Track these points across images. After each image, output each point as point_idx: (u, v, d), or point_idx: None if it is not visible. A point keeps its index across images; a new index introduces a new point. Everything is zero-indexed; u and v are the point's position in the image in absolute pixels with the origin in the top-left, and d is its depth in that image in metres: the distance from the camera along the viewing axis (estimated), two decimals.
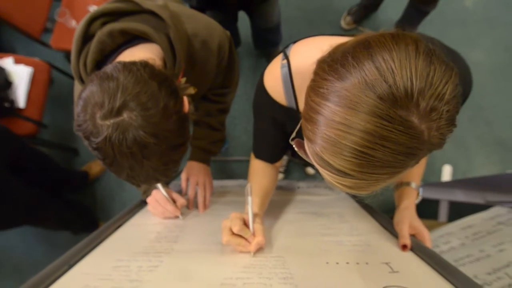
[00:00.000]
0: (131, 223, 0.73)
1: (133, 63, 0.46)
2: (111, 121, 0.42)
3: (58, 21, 1.49)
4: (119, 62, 0.46)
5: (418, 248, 0.56)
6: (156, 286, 0.46)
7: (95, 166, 1.79)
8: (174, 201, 0.75)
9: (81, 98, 0.44)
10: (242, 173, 1.85)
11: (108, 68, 0.45)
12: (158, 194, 0.74)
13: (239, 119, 1.90)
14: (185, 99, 0.52)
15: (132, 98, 0.42)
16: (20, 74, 1.40)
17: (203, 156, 0.89)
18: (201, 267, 0.52)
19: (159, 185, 0.72)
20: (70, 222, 1.51)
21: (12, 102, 1.36)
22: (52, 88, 1.87)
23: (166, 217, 0.74)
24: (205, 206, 0.83)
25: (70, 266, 0.52)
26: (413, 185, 0.69)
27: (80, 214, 1.57)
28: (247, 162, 0.79)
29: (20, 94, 1.39)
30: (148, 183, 0.55)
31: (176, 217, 0.75)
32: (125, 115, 0.42)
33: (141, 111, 0.43)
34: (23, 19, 1.40)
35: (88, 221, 1.63)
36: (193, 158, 0.89)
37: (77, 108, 0.44)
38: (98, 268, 0.52)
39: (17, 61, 1.43)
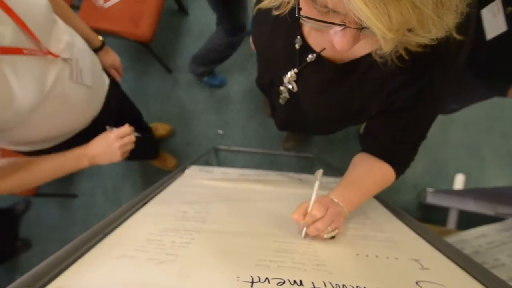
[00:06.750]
0: (157, 201, 0.74)
1: None
2: None
3: None
4: None
5: (445, 248, 0.57)
6: (192, 261, 0.47)
7: (162, 129, 1.85)
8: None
9: None
10: (255, 165, 1.86)
11: None
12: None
13: (256, 112, 1.90)
14: None
15: None
16: None
17: None
18: (233, 247, 0.53)
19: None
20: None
21: None
22: None
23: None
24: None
25: (105, 235, 0.53)
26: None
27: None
28: (258, 154, 0.78)
29: None
30: None
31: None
32: None
33: None
34: None
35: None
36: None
37: None
38: (132, 239, 0.52)
39: None
